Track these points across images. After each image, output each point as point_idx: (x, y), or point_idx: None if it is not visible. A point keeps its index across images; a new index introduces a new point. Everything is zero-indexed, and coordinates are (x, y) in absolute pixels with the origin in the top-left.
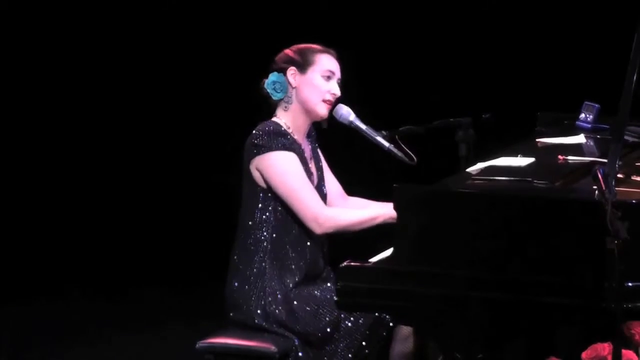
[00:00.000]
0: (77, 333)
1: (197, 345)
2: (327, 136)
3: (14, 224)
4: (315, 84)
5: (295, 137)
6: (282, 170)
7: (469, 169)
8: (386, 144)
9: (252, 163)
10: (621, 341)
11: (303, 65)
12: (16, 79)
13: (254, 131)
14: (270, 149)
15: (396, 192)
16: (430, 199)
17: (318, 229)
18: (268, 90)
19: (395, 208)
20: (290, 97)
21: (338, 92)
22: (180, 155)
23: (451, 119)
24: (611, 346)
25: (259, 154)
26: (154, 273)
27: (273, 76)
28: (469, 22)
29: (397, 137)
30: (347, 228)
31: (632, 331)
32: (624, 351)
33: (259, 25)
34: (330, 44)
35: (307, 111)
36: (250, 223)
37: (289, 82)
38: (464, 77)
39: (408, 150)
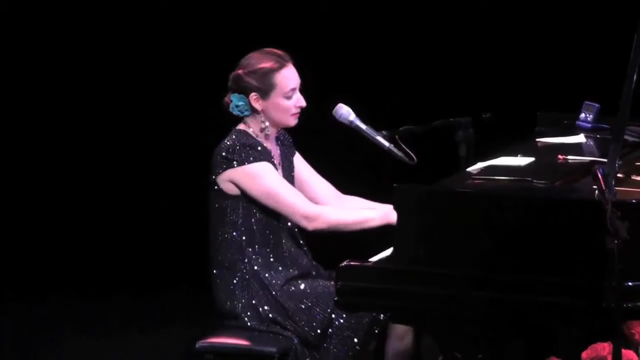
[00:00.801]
0: (77, 333)
1: (197, 345)
2: (327, 136)
3: (13, 225)
4: (281, 106)
5: (265, 144)
6: (262, 179)
7: (469, 169)
8: (386, 143)
9: (221, 175)
10: (621, 341)
11: (265, 90)
12: (16, 79)
13: (224, 142)
14: (243, 162)
15: (396, 192)
16: (430, 199)
17: (309, 226)
18: (234, 113)
19: (395, 208)
20: (257, 114)
21: (303, 103)
22: (180, 154)
23: (451, 119)
24: (611, 346)
25: (231, 167)
26: (154, 273)
27: (235, 98)
28: (469, 22)
29: (397, 137)
30: (338, 226)
31: (632, 331)
32: (624, 351)
33: (256, 26)
34: (330, 44)
35: (278, 125)
36: (223, 234)
37: (252, 106)
38: (464, 77)
39: (408, 150)
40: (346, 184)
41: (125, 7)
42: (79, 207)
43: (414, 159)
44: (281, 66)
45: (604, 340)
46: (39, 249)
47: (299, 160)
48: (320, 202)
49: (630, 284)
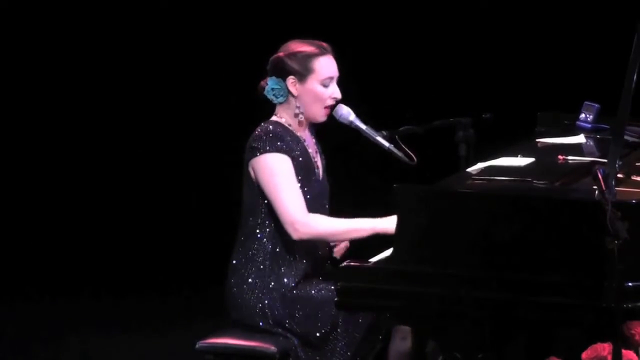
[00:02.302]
0: (77, 333)
1: (197, 345)
2: (327, 136)
3: (16, 225)
4: (317, 92)
5: (299, 133)
6: (270, 171)
7: (469, 169)
8: (386, 144)
9: (249, 165)
10: (621, 341)
11: (303, 74)
12: (16, 79)
13: (253, 132)
14: (264, 151)
15: (396, 192)
16: (430, 199)
17: (294, 234)
18: (268, 97)
19: (395, 208)
20: (291, 101)
21: (339, 95)
22: (181, 157)
23: (451, 119)
24: (611, 346)
25: (254, 155)
26: (154, 273)
27: (272, 82)
28: (469, 22)
29: (397, 137)
30: (325, 237)
31: (632, 331)
32: (624, 351)
33: (258, 23)
34: (330, 44)
35: (308, 117)
36: (249, 223)
37: (289, 90)
38: (464, 77)
39: (408, 150)
40: (345, 184)
41: (138, 6)
42: (81, 208)
43: (414, 159)
44: (321, 53)
45: (604, 340)
46: (40, 250)
47: None
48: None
49: (630, 284)
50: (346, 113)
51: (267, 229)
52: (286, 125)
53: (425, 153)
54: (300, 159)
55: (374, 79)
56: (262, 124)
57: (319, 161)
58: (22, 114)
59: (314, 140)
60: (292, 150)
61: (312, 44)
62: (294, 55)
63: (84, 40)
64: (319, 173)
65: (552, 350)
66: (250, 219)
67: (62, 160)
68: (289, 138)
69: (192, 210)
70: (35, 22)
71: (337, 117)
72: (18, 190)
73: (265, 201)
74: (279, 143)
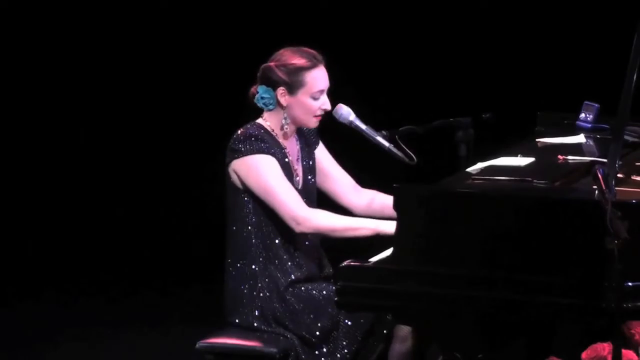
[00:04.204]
0: (77, 333)
1: (197, 345)
2: (327, 136)
3: (15, 224)
4: (306, 105)
5: (280, 139)
6: (259, 172)
7: (469, 169)
8: (386, 143)
9: (230, 167)
10: (621, 341)
11: (293, 87)
12: (15, 78)
13: (234, 134)
14: (246, 152)
15: (396, 192)
16: (430, 199)
17: (296, 228)
18: (258, 104)
19: (395, 208)
20: (280, 110)
21: (329, 107)
22: (180, 156)
23: (451, 119)
24: (611, 346)
25: (236, 158)
26: (154, 273)
27: (262, 90)
28: (469, 22)
29: (397, 137)
30: (326, 231)
31: (632, 331)
32: (624, 351)
33: (256, 24)
34: (330, 44)
35: (298, 124)
36: (236, 226)
37: (278, 100)
38: (464, 77)
39: (408, 150)
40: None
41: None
42: (81, 208)
43: (414, 159)
44: (313, 66)
45: (604, 340)
46: (40, 249)
47: (321, 151)
48: (338, 193)
49: (630, 284)
50: (346, 113)
51: (255, 230)
52: (269, 129)
53: (425, 153)
54: (279, 163)
55: (375, 79)
56: (245, 125)
57: (299, 169)
58: (20, 113)
59: (298, 147)
60: (272, 151)
61: (303, 55)
62: (284, 67)
63: (82, 40)
64: (298, 181)
65: (552, 350)
66: (236, 221)
67: (64, 159)
68: (269, 141)
69: (192, 210)
70: (35, 22)
71: (337, 117)
72: (17, 190)
73: (250, 202)
74: (260, 144)
